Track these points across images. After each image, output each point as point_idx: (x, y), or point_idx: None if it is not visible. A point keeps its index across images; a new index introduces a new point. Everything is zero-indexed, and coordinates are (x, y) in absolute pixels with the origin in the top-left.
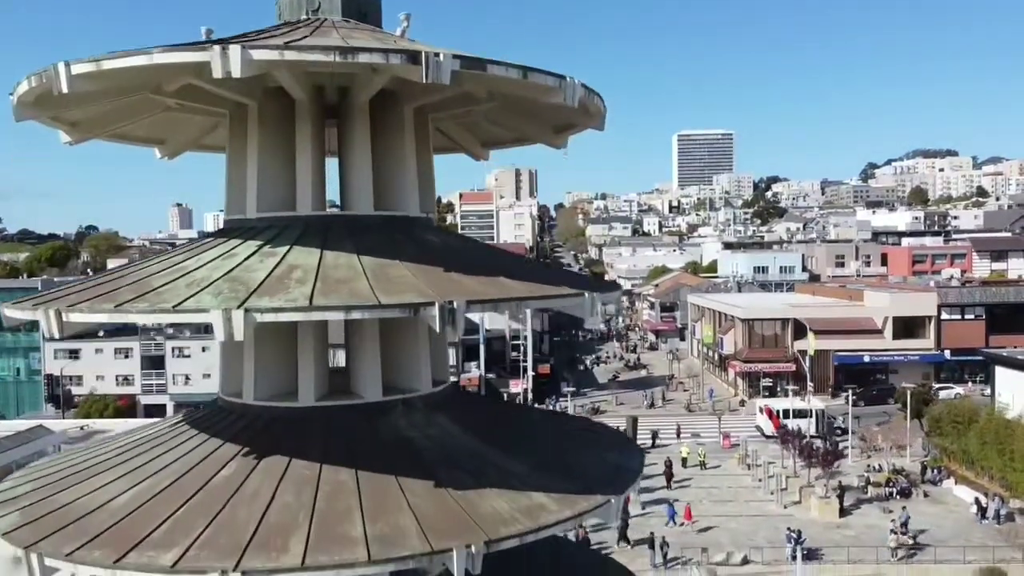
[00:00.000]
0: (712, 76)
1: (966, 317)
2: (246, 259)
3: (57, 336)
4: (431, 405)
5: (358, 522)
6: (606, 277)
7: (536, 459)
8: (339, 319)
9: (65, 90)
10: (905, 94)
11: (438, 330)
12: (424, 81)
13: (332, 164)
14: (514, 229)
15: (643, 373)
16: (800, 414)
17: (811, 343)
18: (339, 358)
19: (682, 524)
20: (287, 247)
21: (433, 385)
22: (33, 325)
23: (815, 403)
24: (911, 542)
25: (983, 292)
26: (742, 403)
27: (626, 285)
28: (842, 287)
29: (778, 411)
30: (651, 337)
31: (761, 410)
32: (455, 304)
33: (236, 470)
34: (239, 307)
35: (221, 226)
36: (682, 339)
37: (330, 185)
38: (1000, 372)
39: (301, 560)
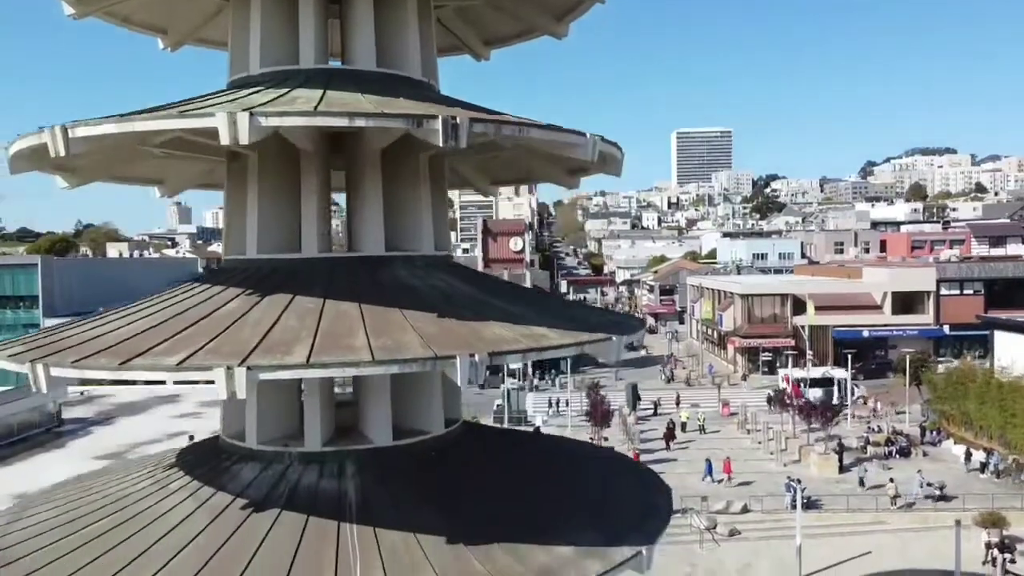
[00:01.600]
0: (711, 74)
1: (965, 292)
2: (250, 95)
3: (63, 153)
4: (432, 264)
5: (362, 336)
6: (605, 268)
7: (538, 308)
8: (342, 126)
9: None
10: (904, 93)
11: (441, 143)
12: None
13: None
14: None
15: (642, 353)
16: (821, 383)
17: (810, 312)
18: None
19: (720, 480)
20: (290, 88)
21: (435, 250)
22: (33, 302)
23: (838, 372)
24: (938, 493)
25: (982, 267)
26: (744, 377)
27: (625, 275)
28: (841, 267)
29: (798, 380)
30: (650, 320)
31: (783, 380)
32: (458, 120)
33: (240, 304)
34: (244, 111)
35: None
36: (681, 322)
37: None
38: (999, 336)
39: (306, 359)
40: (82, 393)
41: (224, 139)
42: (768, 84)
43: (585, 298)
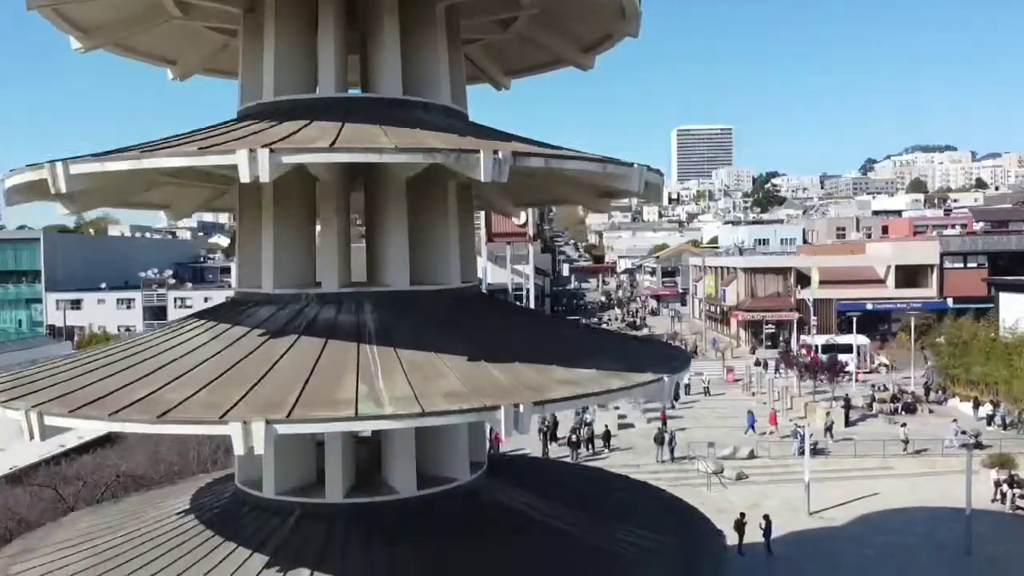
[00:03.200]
0: (711, 72)
1: (968, 266)
2: None
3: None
4: (450, 113)
5: (383, 137)
6: (606, 258)
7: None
8: None
9: None
10: (903, 92)
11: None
12: None
13: None
14: None
15: (645, 332)
16: (841, 349)
17: (814, 282)
18: None
19: (763, 434)
20: None
21: (452, 102)
22: (36, 276)
23: (859, 338)
24: (972, 441)
25: (985, 240)
26: (753, 351)
27: (626, 264)
28: (844, 243)
29: (816, 346)
30: (652, 303)
31: (800, 347)
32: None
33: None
34: None
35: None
36: (683, 304)
37: None
38: (1004, 298)
39: (330, 143)
40: None
41: None
42: (769, 82)
43: (583, 286)
